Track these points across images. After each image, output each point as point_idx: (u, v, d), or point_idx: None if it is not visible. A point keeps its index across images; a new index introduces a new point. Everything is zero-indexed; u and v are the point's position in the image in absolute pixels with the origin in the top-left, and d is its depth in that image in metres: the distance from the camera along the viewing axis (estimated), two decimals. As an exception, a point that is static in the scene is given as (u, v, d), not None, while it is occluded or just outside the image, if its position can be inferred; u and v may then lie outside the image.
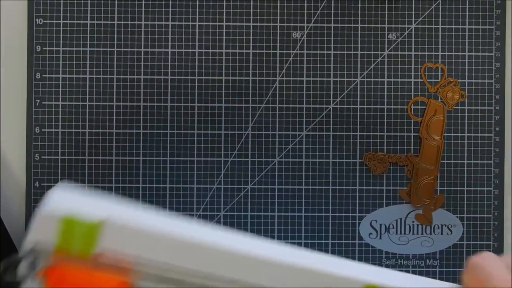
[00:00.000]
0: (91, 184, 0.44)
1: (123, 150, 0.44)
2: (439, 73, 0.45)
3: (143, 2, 0.44)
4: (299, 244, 0.44)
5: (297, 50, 0.45)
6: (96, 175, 0.44)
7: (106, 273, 0.26)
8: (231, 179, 0.44)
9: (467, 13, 0.45)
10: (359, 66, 0.45)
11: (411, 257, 0.45)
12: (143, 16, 0.44)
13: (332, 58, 0.45)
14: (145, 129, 0.44)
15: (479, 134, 0.45)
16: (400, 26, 0.45)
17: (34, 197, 0.44)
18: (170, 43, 0.44)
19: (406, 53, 0.45)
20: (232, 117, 0.45)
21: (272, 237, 0.44)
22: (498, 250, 0.45)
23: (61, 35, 0.44)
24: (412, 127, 0.45)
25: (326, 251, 0.44)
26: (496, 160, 0.45)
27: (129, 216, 0.27)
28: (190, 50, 0.45)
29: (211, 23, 0.44)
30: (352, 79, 0.45)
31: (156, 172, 0.44)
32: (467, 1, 0.45)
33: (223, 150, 0.44)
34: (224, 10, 0.45)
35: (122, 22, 0.44)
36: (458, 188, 0.45)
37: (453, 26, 0.45)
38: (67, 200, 0.27)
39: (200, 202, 0.44)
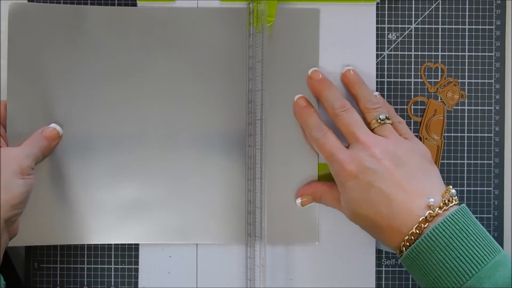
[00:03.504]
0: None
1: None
2: (439, 73, 0.45)
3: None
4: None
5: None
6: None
7: None
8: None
9: (467, 13, 0.45)
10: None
11: (411, 257, 0.45)
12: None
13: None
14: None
15: (479, 134, 0.45)
16: (400, 26, 0.45)
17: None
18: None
19: (406, 53, 0.45)
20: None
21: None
22: (498, 250, 0.45)
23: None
24: (412, 127, 0.45)
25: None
26: (496, 160, 0.45)
27: None
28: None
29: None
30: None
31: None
32: (467, 1, 0.45)
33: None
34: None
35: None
36: (458, 188, 0.45)
37: (453, 26, 0.45)
38: None
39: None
